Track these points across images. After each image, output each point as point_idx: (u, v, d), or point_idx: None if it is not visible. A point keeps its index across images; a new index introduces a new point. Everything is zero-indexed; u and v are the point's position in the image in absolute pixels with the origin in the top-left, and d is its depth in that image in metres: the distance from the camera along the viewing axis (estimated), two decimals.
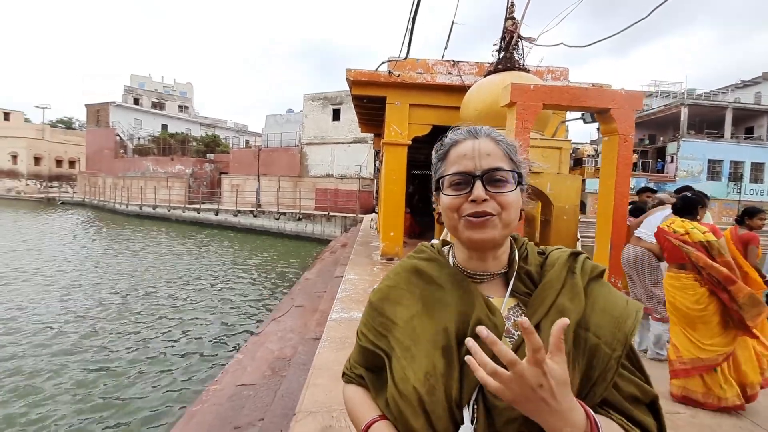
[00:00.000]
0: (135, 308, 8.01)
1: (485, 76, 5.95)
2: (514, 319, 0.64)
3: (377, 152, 21.81)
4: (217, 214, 23.26)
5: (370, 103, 7.97)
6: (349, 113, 23.74)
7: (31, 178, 40.09)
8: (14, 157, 40.26)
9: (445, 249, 0.75)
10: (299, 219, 20.32)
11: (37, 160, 40.99)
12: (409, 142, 7.34)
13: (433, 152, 0.73)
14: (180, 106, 48.85)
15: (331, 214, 19.86)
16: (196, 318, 7.65)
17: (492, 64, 6.19)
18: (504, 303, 0.65)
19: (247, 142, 38.51)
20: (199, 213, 24.04)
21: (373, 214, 18.77)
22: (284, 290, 9.85)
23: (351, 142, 23.63)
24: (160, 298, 8.85)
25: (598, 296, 0.63)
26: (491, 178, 0.63)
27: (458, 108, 6.53)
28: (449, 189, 0.66)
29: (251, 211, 22.17)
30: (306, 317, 5.10)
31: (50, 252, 13.68)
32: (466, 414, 0.57)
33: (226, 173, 27.56)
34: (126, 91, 44.61)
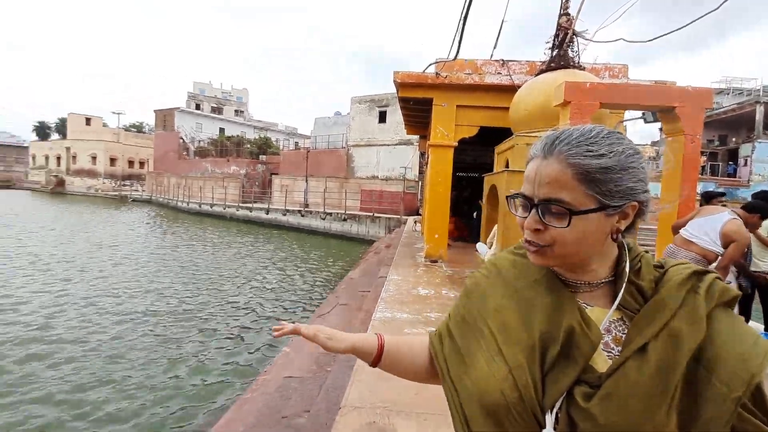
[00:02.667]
0: (193, 299, 8.60)
1: (537, 75, 5.76)
2: (615, 333, 0.59)
3: (422, 154, 21.83)
4: (267, 213, 24.34)
5: (416, 105, 7.99)
6: (395, 115, 23.90)
7: (107, 177, 44.35)
8: (93, 158, 44.75)
9: None
10: (344, 219, 20.74)
11: (113, 160, 45.26)
12: (456, 144, 7.27)
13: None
14: (236, 110, 51.78)
15: (376, 215, 20.08)
16: (247, 309, 8.07)
17: (544, 62, 5.97)
18: (608, 315, 0.60)
19: (296, 143, 39.99)
20: (251, 212, 25.29)
21: (417, 215, 18.75)
22: (329, 288, 10.12)
23: (396, 144, 23.77)
24: (213, 290, 9.43)
25: (722, 326, 0.55)
26: (546, 210, 0.58)
27: (507, 108, 6.37)
28: (519, 207, 0.63)
29: (299, 211, 22.97)
30: (350, 315, 5.22)
31: (127, 247, 15.06)
32: (549, 419, 0.56)
33: (277, 174, 28.79)
34: (189, 98, 48.10)
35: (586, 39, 5.66)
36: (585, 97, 3.48)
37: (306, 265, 13.10)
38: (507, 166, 5.42)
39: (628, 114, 7.76)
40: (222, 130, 43.40)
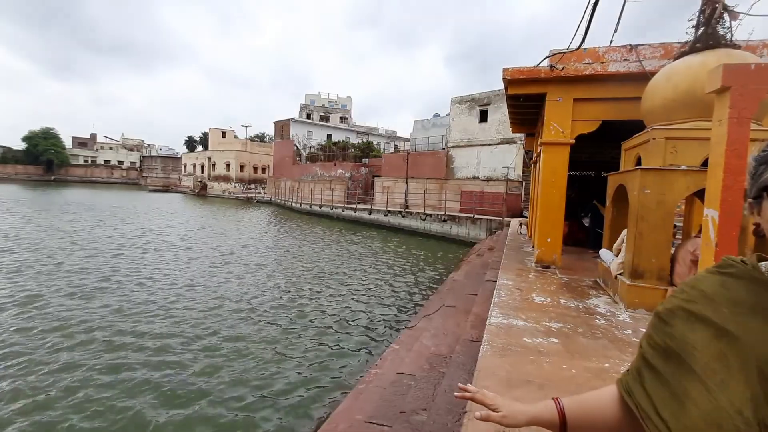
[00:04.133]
0: (303, 291, 9.49)
1: (676, 58, 4.99)
2: None
3: (527, 153, 20.53)
4: (370, 214, 25.52)
5: (525, 102, 7.58)
6: (497, 114, 22.96)
7: (237, 182, 51.34)
8: (227, 165, 52.28)
9: (764, 265, 0.61)
10: (444, 220, 20.65)
11: (242, 167, 52.27)
12: (572, 141, 6.70)
13: (753, 154, 0.63)
14: (341, 117, 55.47)
15: (476, 216, 19.56)
16: (350, 304, 8.60)
17: (685, 43, 5.14)
18: None
19: (395, 146, 41.15)
20: (355, 212, 26.80)
21: (522, 217, 17.70)
22: (430, 288, 10.19)
23: (498, 144, 22.81)
24: (321, 284, 10.25)
25: None
26: None
27: (635, 99, 5.64)
28: None
29: (399, 212, 23.58)
30: (458, 318, 5.20)
31: (260, 242, 17.32)
32: None
33: (378, 176, 29.99)
34: (301, 108, 53.10)
35: (740, 13, 4.73)
36: (750, 80, 2.91)
37: (407, 265, 13.39)
38: (638, 163, 4.81)
39: None
40: (329, 136, 46.92)
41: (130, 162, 78.35)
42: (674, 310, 0.65)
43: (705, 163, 4.21)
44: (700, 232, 4.12)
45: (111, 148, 79.44)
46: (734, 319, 0.58)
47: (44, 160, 68.68)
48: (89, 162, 75.90)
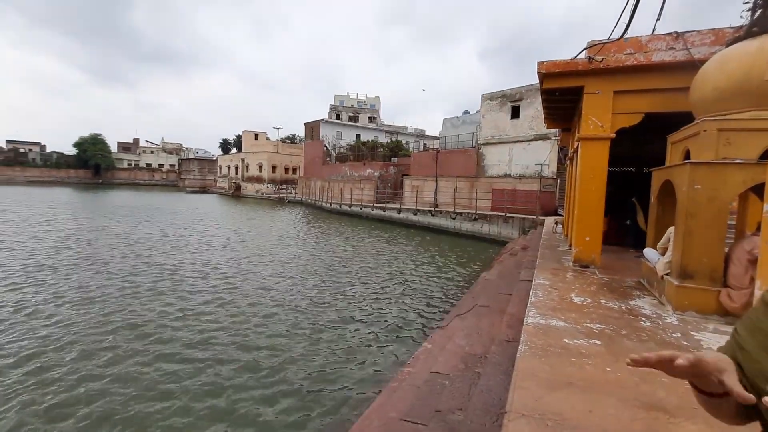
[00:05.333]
0: (334, 289, 9.60)
1: (728, 44, 4.67)
2: None
3: (562, 149, 19.82)
4: (399, 213, 25.51)
5: (561, 96, 7.33)
6: (529, 110, 22.34)
7: (269, 183, 52.73)
8: (260, 166, 53.79)
9: None
10: (475, 219, 20.32)
11: (273, 168, 53.63)
12: (613, 135, 6.42)
13: None
14: (370, 117, 55.79)
15: (508, 215, 19.11)
16: (380, 302, 8.61)
17: (739, 27, 4.80)
18: None
19: (424, 145, 40.92)
20: (384, 211, 26.87)
21: (556, 216, 17.12)
22: (463, 287, 10.06)
23: (531, 140, 22.18)
24: (351, 283, 10.34)
25: None
26: None
27: (681, 90, 5.33)
28: None
29: (429, 211, 23.41)
30: (492, 317, 5.10)
31: (293, 242, 17.75)
32: None
33: (408, 175, 29.91)
34: (330, 109, 53.85)
35: None
36: None
37: (437, 264, 13.28)
38: (687, 157, 4.53)
39: None
40: (358, 136, 47.27)
41: (170, 165, 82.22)
42: (754, 328, 0.64)
43: (763, 156, 3.92)
44: (758, 229, 3.83)
45: (152, 152, 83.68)
46: None
47: (92, 164, 73.43)
48: (132, 165, 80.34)
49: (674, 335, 3.34)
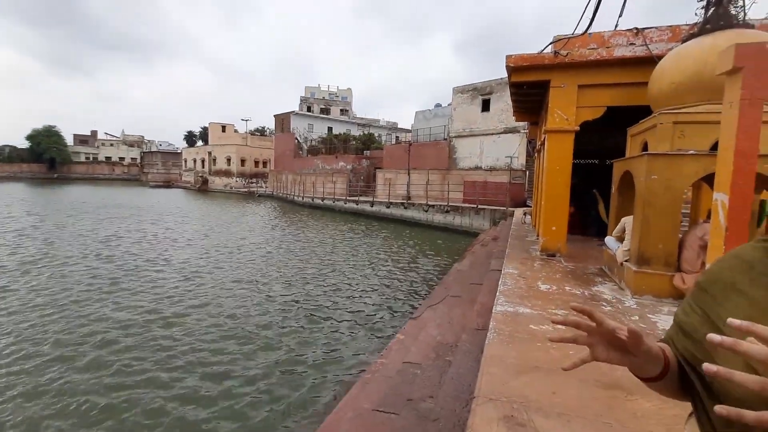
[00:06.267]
0: (306, 283, 9.50)
1: (684, 40, 4.89)
2: None
3: (530, 142, 20.36)
4: (372, 206, 25.48)
5: (529, 90, 7.48)
6: (499, 103, 22.76)
7: (238, 176, 51.31)
8: (228, 160, 52.18)
9: None
10: (447, 211, 20.59)
11: (242, 161, 52.18)
12: (577, 128, 6.62)
13: None
14: (341, 110, 55.15)
15: (480, 206, 19.49)
16: (353, 296, 8.61)
17: (693, 25, 5.04)
18: None
19: (397, 138, 40.95)
20: (357, 204, 26.77)
21: (525, 207, 17.61)
22: (435, 278, 10.19)
23: (501, 133, 22.65)
24: (324, 277, 10.26)
25: None
26: None
27: (641, 84, 5.56)
28: None
29: (402, 203, 23.52)
30: (463, 307, 5.19)
31: (261, 237, 17.35)
32: None
33: (380, 168, 29.88)
34: (301, 101, 52.82)
35: None
36: (764, 60, 2.84)
37: (410, 256, 13.39)
38: (645, 149, 4.74)
39: None
40: (330, 129, 46.70)
41: (131, 158, 78.40)
42: (712, 278, 0.66)
43: (714, 147, 4.15)
44: (708, 217, 4.07)
45: (112, 145, 79.46)
46: None
47: (47, 158, 69.02)
48: (91, 159, 76.03)
49: (632, 318, 3.51)
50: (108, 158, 77.13)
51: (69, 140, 74.76)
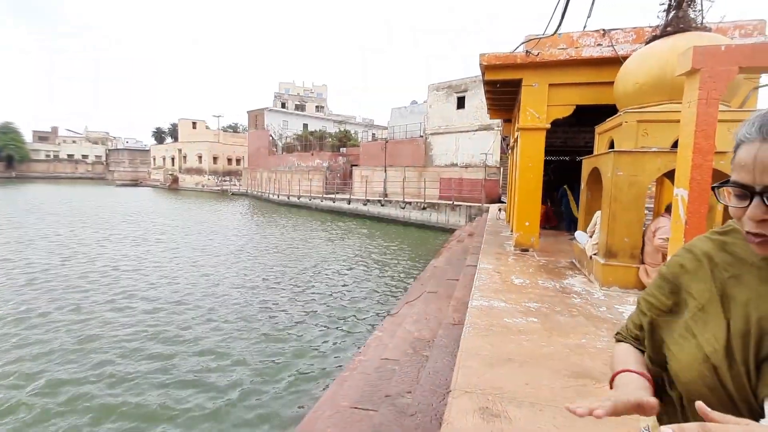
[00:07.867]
0: (282, 283, 9.39)
1: (648, 42, 5.11)
2: None
3: (504, 139, 20.78)
4: (349, 203, 25.38)
5: (502, 88, 7.63)
6: (474, 100, 23.07)
7: (210, 174, 49.93)
8: (200, 157, 50.68)
9: None
10: (424, 208, 20.76)
11: (215, 159, 50.78)
12: (548, 126, 6.81)
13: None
14: (317, 106, 54.55)
15: (456, 203, 19.75)
16: (331, 294, 8.57)
17: (656, 27, 5.26)
18: None
19: (373, 135, 40.86)
20: (334, 202, 26.59)
21: (500, 203, 17.99)
22: (412, 275, 10.27)
23: (476, 130, 22.98)
24: (300, 276, 10.17)
25: None
26: None
27: (608, 83, 5.77)
28: (732, 197, 0.58)
29: (379, 200, 23.54)
30: (440, 303, 5.25)
31: (236, 236, 16.95)
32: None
33: (357, 165, 29.76)
34: (275, 97, 51.85)
35: None
36: (720, 62, 3.00)
37: (387, 253, 13.43)
38: (612, 146, 4.93)
39: (764, 80, 6.53)
40: (305, 125, 46.08)
41: (95, 156, 74.83)
42: (672, 271, 0.70)
43: (675, 145, 4.36)
44: (666, 210, 4.27)
45: (74, 142, 75.59)
46: (725, 278, 0.62)
47: (4, 156, 65.03)
48: (52, 157, 72.10)
49: (600, 309, 3.65)
50: (70, 156, 73.33)
51: (28, 137, 70.67)
